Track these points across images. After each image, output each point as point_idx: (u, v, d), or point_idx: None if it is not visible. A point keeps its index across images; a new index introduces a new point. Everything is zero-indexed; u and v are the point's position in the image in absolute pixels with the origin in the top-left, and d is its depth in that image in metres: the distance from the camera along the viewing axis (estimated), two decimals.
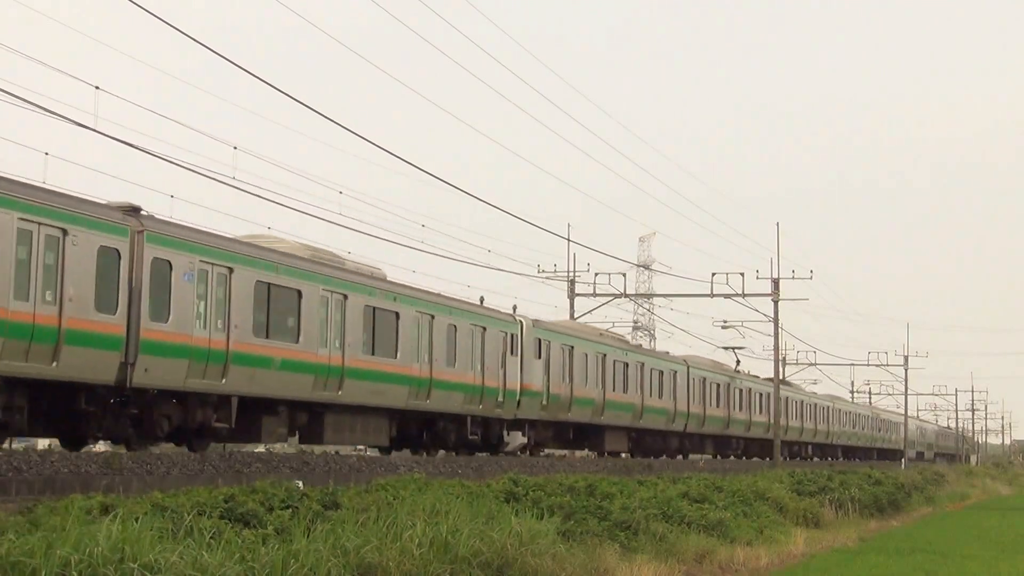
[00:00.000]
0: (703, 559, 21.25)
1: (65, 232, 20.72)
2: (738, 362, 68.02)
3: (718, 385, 58.86)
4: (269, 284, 25.85)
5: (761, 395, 65.56)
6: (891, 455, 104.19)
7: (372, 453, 34.91)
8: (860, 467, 60.54)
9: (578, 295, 56.92)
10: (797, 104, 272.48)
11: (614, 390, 45.37)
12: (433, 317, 32.27)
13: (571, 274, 56.54)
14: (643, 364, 49.17)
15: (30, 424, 21.48)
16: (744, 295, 56.20)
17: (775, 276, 58.20)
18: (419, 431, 33.17)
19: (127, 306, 21.93)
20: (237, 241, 26.11)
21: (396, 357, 30.40)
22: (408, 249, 37.25)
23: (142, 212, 23.13)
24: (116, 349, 21.70)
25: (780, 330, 60.43)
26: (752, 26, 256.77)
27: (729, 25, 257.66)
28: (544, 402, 39.40)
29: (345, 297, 28.44)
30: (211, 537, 12.21)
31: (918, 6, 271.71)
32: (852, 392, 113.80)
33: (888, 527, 34.73)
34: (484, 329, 35.32)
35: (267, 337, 25.65)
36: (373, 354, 29.41)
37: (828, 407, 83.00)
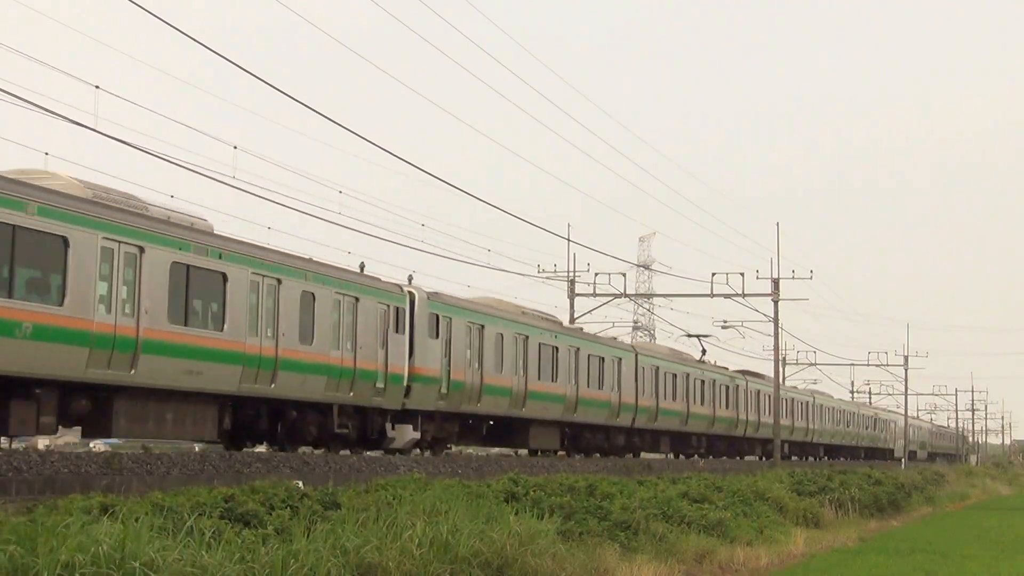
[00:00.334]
0: (703, 559, 21.25)
1: None
2: (703, 352, 63.01)
3: (675, 376, 52.72)
4: (14, 227, 20.18)
5: (727, 388, 60.27)
6: (881, 455, 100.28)
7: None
8: (860, 467, 60.41)
9: (578, 295, 56.94)
10: (797, 104, 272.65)
11: (539, 378, 39.31)
12: (280, 282, 26.68)
13: (571, 274, 56.58)
14: (578, 349, 43.01)
15: None
16: (744, 295, 56.23)
17: (775, 276, 58.24)
18: (270, 422, 27.60)
19: None
20: None
21: (222, 329, 24.96)
22: (408, 249, 37.32)
23: None
24: None
25: (780, 330, 60.45)
26: (752, 26, 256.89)
27: (729, 25, 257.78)
28: (443, 390, 33.53)
29: (141, 251, 22.83)
30: (211, 537, 12.21)
31: (918, 6, 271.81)
32: (852, 392, 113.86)
33: (888, 527, 34.73)
34: (357, 300, 29.38)
35: (10, 296, 20.11)
36: (186, 324, 23.96)
37: (807, 402, 78.39)
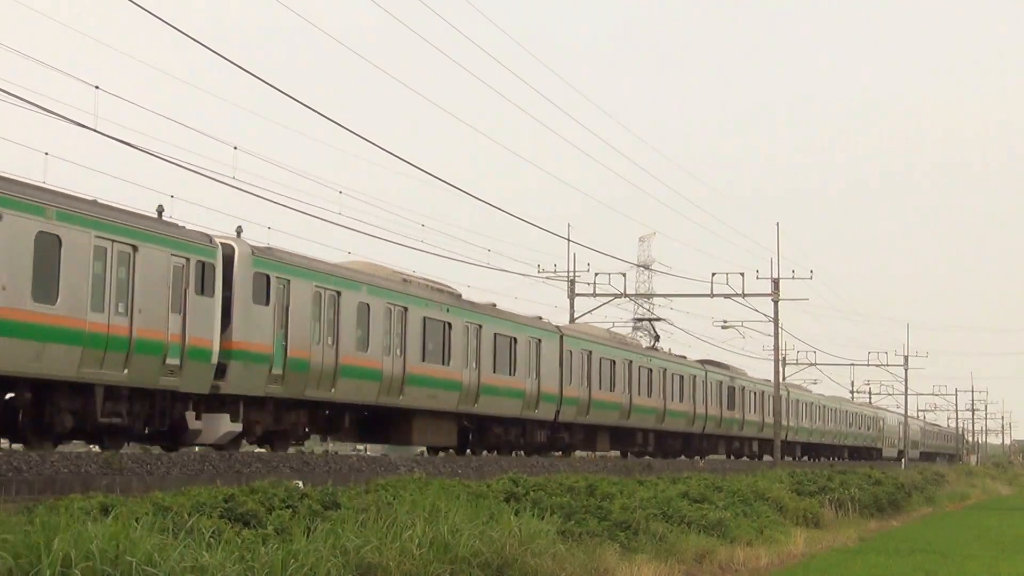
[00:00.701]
0: (703, 559, 21.25)
1: None
2: (657, 338, 58.17)
3: (613, 363, 45.61)
4: None
5: (682, 378, 53.50)
6: (867, 454, 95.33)
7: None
8: (860, 467, 60.35)
9: (578, 295, 56.92)
10: (797, 104, 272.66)
11: (424, 359, 32.42)
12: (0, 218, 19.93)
13: (571, 274, 56.54)
14: (480, 327, 35.78)
15: None
16: (744, 295, 56.21)
17: (775, 276, 58.23)
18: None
19: None
20: None
21: None
22: (408, 249, 37.25)
23: None
24: None
25: (780, 330, 60.44)
26: (752, 26, 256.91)
27: (729, 25, 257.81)
28: (277, 371, 26.53)
29: None
30: (211, 537, 12.22)
31: (918, 6, 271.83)
32: (852, 392, 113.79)
33: (888, 527, 34.73)
34: (134, 249, 22.72)
35: None
36: None
37: (781, 397, 72.35)
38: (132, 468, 19.58)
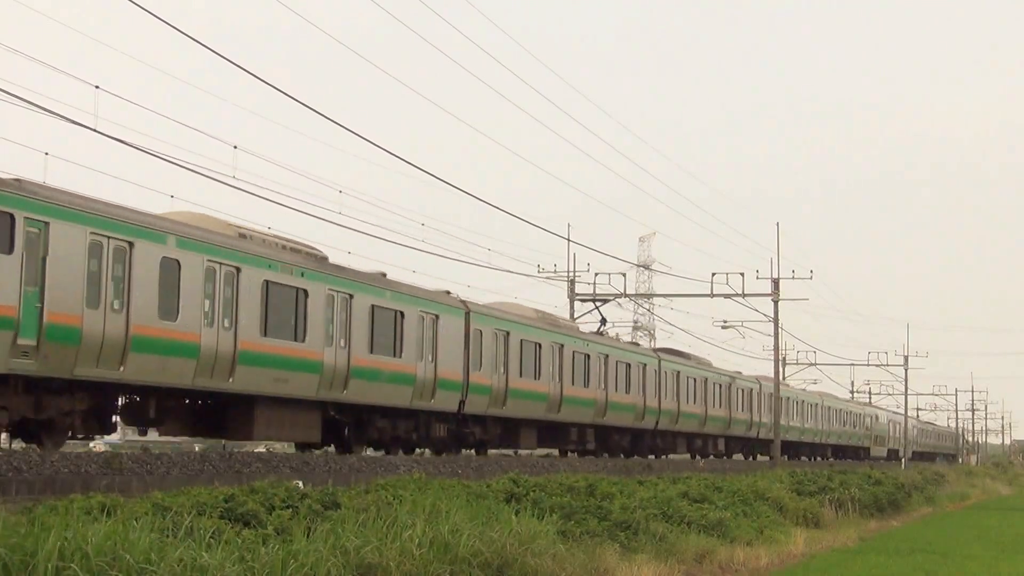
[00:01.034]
0: (703, 559, 21.25)
1: None
2: (603, 321, 51.60)
3: (538, 346, 38.98)
4: None
5: (629, 366, 46.89)
6: (854, 453, 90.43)
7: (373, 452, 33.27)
8: (860, 467, 60.30)
9: (578, 295, 56.93)
10: (797, 104, 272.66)
11: (265, 333, 25.98)
12: None
13: (571, 274, 56.55)
14: (350, 297, 29.11)
15: None
16: (744, 295, 56.21)
17: (775, 276, 58.24)
18: None
19: None
20: None
21: None
22: (408, 249, 37.22)
23: None
24: None
25: (780, 330, 60.43)
26: (752, 26, 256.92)
27: (729, 25, 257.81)
28: (27, 340, 20.55)
29: None
30: (211, 537, 12.22)
31: (919, 6, 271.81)
32: (852, 392, 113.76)
33: (888, 527, 34.72)
34: None
35: None
36: None
37: (750, 390, 64.21)
38: (132, 468, 19.59)
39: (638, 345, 53.86)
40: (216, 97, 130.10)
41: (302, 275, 27.54)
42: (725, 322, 66.86)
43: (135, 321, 22.63)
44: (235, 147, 27.77)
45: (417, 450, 34.60)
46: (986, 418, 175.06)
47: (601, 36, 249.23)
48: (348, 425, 30.53)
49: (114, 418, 24.45)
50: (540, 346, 39.20)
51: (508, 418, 37.91)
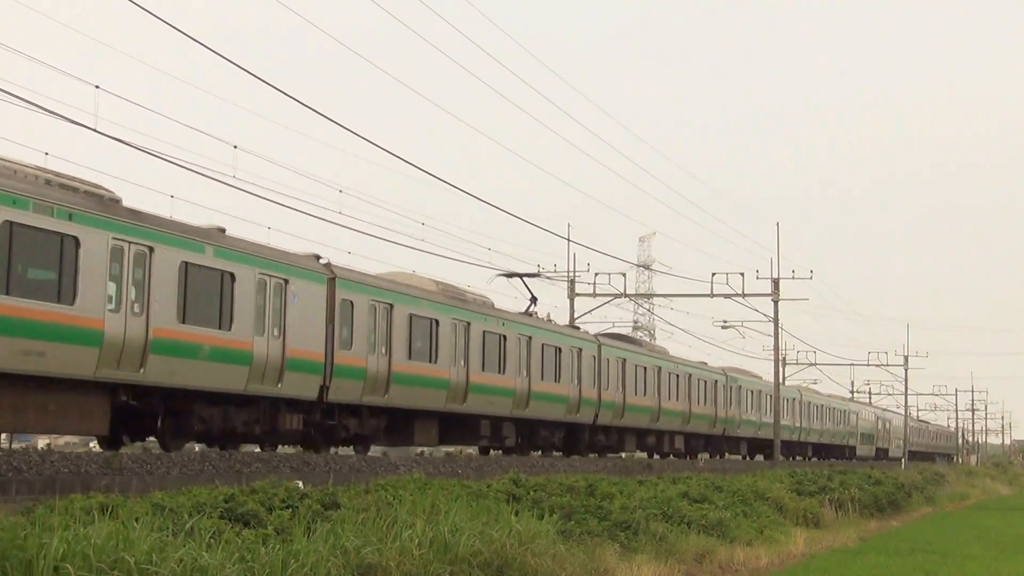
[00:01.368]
0: (703, 559, 21.25)
1: None
2: (533, 300, 42.90)
3: (434, 323, 32.38)
4: None
5: (559, 350, 40.53)
6: (838, 452, 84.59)
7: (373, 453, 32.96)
8: (860, 467, 60.20)
9: (578, 295, 56.92)
10: (797, 105, 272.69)
11: (7, 292, 19.73)
12: None
13: (571, 274, 56.54)
14: (149, 252, 22.78)
15: None
16: (744, 295, 56.18)
17: (775, 276, 58.21)
18: None
19: None
20: None
21: None
22: (408, 249, 37.15)
23: None
24: None
25: (780, 330, 60.42)
26: (752, 26, 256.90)
27: (729, 25, 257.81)
28: None
29: None
30: (211, 537, 12.22)
31: (919, 7, 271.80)
32: (852, 392, 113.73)
33: (888, 527, 34.72)
34: None
35: None
36: None
37: (716, 382, 58.16)
38: (132, 468, 19.58)
39: (578, 329, 45.88)
40: (216, 97, 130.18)
41: (69, 218, 21.02)
42: (725, 322, 66.90)
43: None
44: (235, 147, 27.76)
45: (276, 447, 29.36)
46: (986, 418, 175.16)
47: (601, 36, 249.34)
48: (157, 415, 24.19)
49: None
50: (438, 323, 32.60)
51: (395, 409, 31.28)
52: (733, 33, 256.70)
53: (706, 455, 59.53)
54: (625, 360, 46.65)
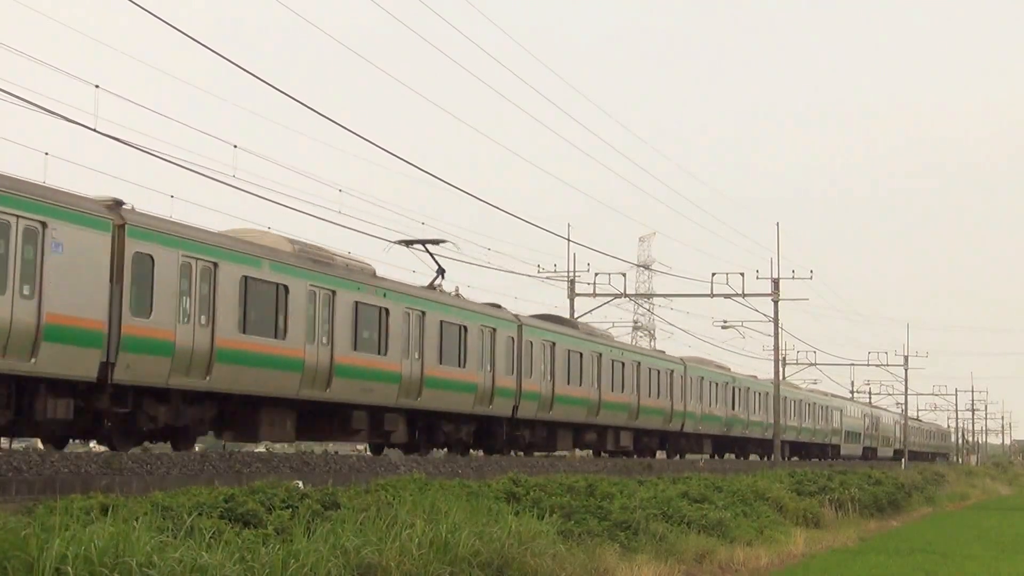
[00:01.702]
0: (703, 559, 21.25)
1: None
2: (440, 272, 35.24)
3: (283, 289, 26.42)
4: None
5: (463, 330, 33.63)
6: (818, 451, 78.96)
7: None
8: (860, 467, 60.13)
9: (578, 295, 56.96)
10: (797, 105, 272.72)
11: None
12: None
13: (571, 274, 56.56)
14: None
15: None
16: (744, 295, 56.22)
17: (775, 276, 58.25)
18: None
19: None
20: None
21: None
22: (408, 249, 37.13)
23: None
24: None
25: (780, 330, 60.43)
26: (753, 27, 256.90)
27: (729, 26, 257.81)
28: None
29: None
30: (211, 537, 12.22)
31: (919, 8, 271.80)
32: (852, 392, 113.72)
33: (888, 527, 34.73)
34: None
35: None
36: None
37: (670, 372, 51.09)
38: (132, 468, 19.57)
39: (500, 307, 37.95)
40: (216, 97, 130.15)
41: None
42: (725, 322, 66.91)
43: None
44: (235, 147, 27.72)
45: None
46: (986, 418, 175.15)
47: (602, 36, 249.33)
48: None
49: None
50: (287, 289, 26.52)
51: (230, 395, 25.54)
52: (733, 33, 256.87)
53: (663, 454, 53.43)
54: (555, 344, 39.36)
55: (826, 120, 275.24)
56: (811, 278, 59.39)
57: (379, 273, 31.20)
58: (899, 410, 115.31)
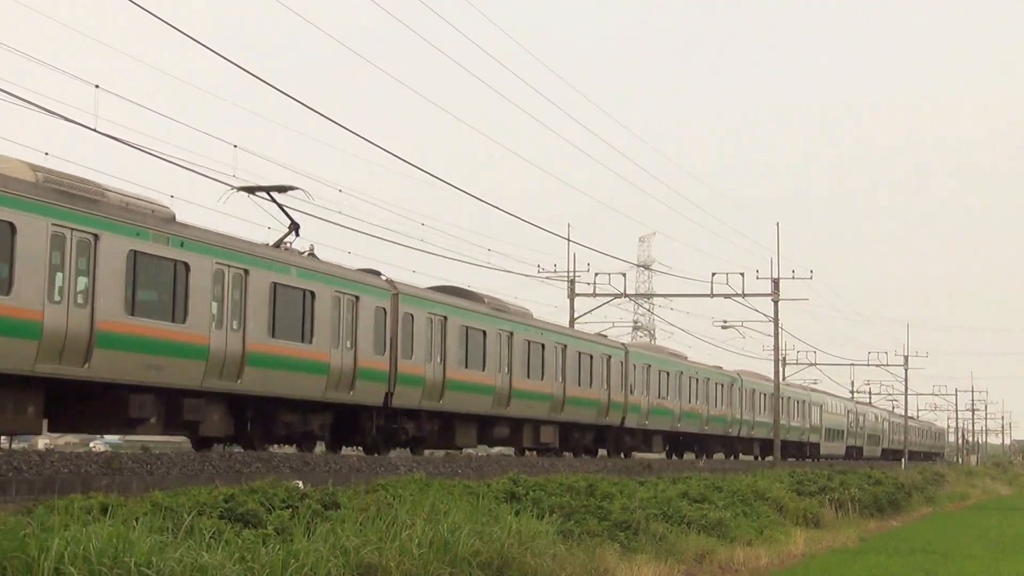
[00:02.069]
0: (703, 559, 21.26)
1: None
2: (293, 228, 28.59)
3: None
4: None
5: (308, 296, 26.95)
6: (797, 450, 71.50)
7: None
8: (859, 467, 60.07)
9: (578, 295, 56.96)
10: (797, 105, 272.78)
11: None
12: None
13: (571, 274, 56.56)
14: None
15: None
16: (744, 295, 56.20)
17: (775, 276, 58.22)
18: None
19: None
20: None
21: None
22: (408, 249, 37.07)
23: None
24: None
25: (780, 330, 60.43)
26: (752, 27, 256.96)
27: (729, 26, 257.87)
28: None
29: None
30: (211, 537, 12.22)
31: (919, 8, 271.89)
32: (852, 392, 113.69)
33: (888, 527, 34.74)
34: None
35: None
36: None
37: (608, 357, 43.65)
38: (132, 468, 19.58)
39: (375, 274, 30.85)
40: (216, 97, 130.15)
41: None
42: (725, 322, 66.86)
43: None
44: (235, 147, 27.67)
45: None
46: (986, 418, 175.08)
47: (602, 36, 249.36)
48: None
49: None
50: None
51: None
52: (733, 33, 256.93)
53: (603, 451, 45.90)
54: (446, 319, 32.60)
55: (826, 120, 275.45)
56: (811, 278, 59.40)
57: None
58: (890, 407, 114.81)
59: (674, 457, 54.19)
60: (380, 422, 30.34)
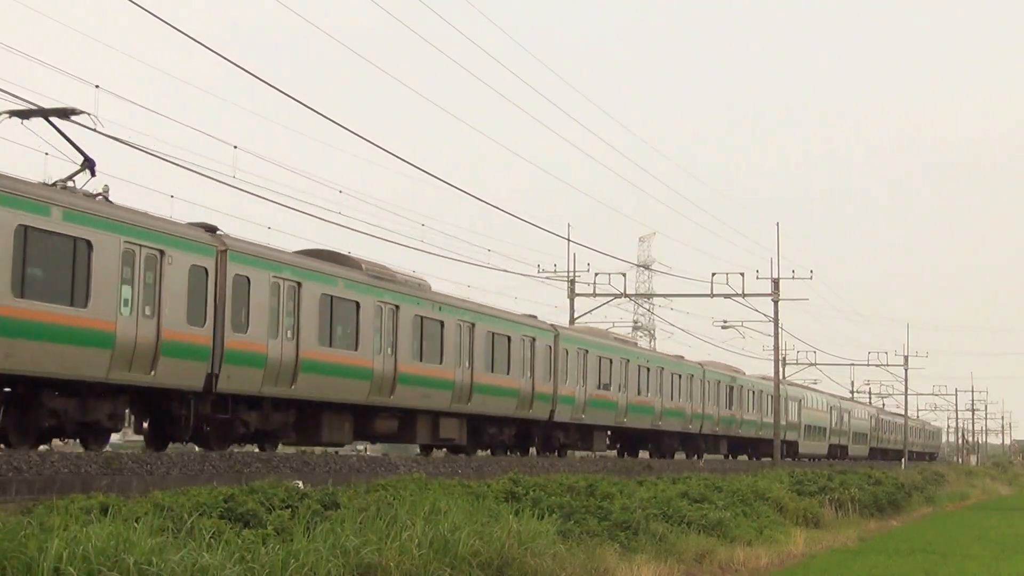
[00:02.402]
0: (703, 559, 21.26)
1: None
2: (86, 164, 22.76)
3: None
4: None
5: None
6: (768, 449, 59.96)
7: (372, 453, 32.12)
8: (859, 467, 60.00)
9: (578, 295, 56.95)
10: (797, 105, 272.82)
11: None
12: None
13: (571, 274, 56.55)
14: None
15: None
16: (744, 295, 56.18)
17: (775, 276, 58.19)
18: None
19: None
20: None
21: None
22: (408, 249, 37.01)
23: None
24: None
25: (780, 330, 60.41)
26: (752, 26, 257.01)
27: (729, 25, 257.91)
28: None
29: None
30: (211, 537, 12.22)
31: (918, 7, 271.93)
32: (852, 392, 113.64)
33: (888, 527, 34.73)
34: None
35: None
36: None
37: (507, 337, 36.35)
38: (132, 468, 19.58)
39: (208, 228, 24.96)
40: (216, 97, 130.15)
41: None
42: (725, 322, 66.80)
43: None
44: (235, 147, 27.61)
45: None
46: (986, 418, 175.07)
47: (602, 36, 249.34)
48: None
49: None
50: None
51: None
52: (733, 33, 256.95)
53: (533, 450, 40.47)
54: (300, 286, 26.77)
55: (826, 120, 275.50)
56: (811, 278, 59.34)
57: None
58: (879, 405, 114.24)
59: (625, 456, 48.90)
60: (205, 411, 24.60)
